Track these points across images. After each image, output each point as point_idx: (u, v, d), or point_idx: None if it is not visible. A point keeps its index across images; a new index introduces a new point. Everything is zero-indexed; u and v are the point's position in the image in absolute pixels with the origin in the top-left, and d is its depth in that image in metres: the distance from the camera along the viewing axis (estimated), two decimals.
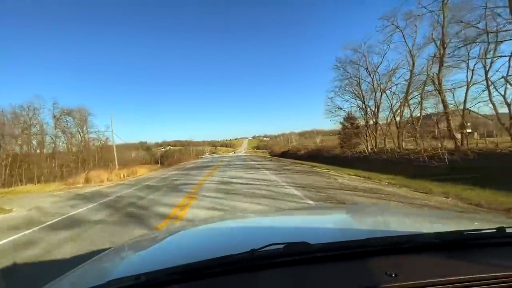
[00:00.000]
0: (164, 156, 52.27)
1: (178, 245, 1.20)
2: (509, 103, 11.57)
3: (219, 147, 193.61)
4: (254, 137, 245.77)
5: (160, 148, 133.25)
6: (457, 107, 14.70)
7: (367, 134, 22.41)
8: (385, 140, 21.27)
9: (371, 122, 22.61)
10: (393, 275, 0.65)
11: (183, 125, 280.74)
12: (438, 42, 14.63)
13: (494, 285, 0.63)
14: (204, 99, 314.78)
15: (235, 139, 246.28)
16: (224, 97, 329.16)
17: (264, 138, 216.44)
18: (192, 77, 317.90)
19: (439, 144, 13.80)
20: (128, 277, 0.69)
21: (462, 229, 0.81)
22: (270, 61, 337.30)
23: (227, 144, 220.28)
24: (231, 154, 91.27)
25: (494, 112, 12.48)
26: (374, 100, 21.85)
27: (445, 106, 14.70)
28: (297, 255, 0.74)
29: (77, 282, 0.91)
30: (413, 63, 17.28)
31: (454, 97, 14.90)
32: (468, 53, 13.61)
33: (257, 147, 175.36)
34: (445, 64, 14.44)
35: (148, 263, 0.94)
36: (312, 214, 1.81)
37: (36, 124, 26.52)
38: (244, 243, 0.78)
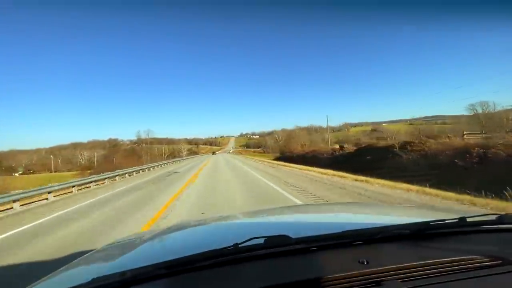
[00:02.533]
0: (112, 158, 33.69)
1: (164, 245, 1.22)
2: None
3: (202, 146, 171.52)
4: (241, 135, 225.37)
5: (129, 145, 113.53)
6: None
7: None
8: None
9: None
10: (365, 262, 0.70)
11: (166, 123, 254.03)
12: None
13: (454, 267, 0.69)
14: (189, 97, 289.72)
15: (221, 137, 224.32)
16: (209, 95, 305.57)
17: (253, 136, 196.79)
18: (176, 76, 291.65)
19: None
20: (113, 274, 0.69)
21: (428, 220, 0.89)
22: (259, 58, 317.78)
23: (212, 142, 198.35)
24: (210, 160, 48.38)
25: None
26: None
27: None
28: (278, 247, 0.78)
29: (61, 282, 0.91)
30: None
31: None
32: None
33: (247, 146, 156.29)
34: None
35: (134, 261, 0.94)
36: (295, 212, 1.88)
37: None
38: (229, 239, 0.79)
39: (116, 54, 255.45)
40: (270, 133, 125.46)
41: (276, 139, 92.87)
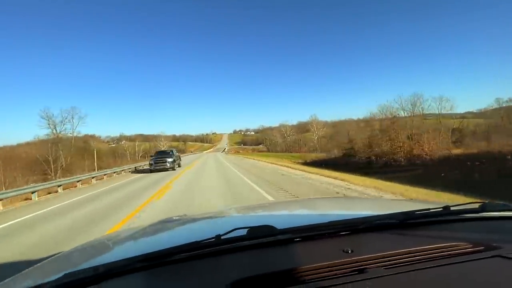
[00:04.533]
0: None
1: (143, 240, 1.18)
2: None
3: (190, 143, 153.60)
4: (235, 132, 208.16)
5: (110, 143, 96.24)
6: None
7: None
8: None
9: None
10: (349, 251, 0.71)
11: (153, 120, 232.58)
12: None
13: (438, 254, 0.70)
14: (177, 93, 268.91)
15: (213, 133, 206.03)
16: (200, 91, 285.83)
17: (249, 133, 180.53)
18: (166, 71, 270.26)
19: None
20: (86, 269, 0.67)
21: (412, 210, 0.91)
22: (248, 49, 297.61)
23: (203, 139, 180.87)
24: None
25: None
26: None
27: None
28: (261, 238, 0.77)
29: (34, 278, 0.88)
30: None
31: None
32: None
33: (243, 143, 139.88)
34: None
35: (111, 257, 0.91)
36: (280, 207, 1.89)
37: None
38: (211, 232, 0.77)
39: (97, 48, 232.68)
40: (263, 130, 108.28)
41: (284, 135, 76.36)
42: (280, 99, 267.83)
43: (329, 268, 0.65)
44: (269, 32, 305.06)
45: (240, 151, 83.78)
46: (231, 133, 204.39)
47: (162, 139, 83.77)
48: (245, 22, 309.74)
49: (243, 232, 0.76)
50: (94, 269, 0.66)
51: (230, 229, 0.75)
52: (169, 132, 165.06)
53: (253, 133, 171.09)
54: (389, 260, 0.67)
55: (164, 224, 1.40)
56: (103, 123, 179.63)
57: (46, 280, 0.67)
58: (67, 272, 0.66)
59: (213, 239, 0.74)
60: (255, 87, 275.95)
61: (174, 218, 1.58)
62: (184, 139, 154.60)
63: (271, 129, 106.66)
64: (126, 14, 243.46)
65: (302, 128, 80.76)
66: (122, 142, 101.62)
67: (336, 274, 0.63)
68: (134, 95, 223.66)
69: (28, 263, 1.61)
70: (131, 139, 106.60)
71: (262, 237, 0.77)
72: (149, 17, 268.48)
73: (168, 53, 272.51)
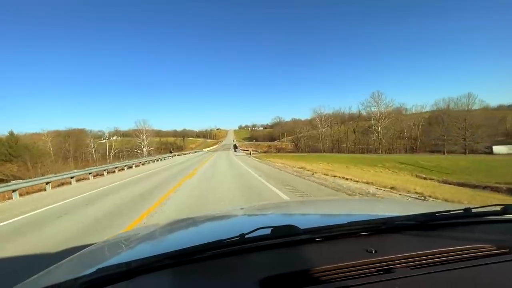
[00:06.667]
0: None
1: (168, 237, 1.22)
2: None
3: (191, 138, 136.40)
4: (240, 128, 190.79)
5: (101, 139, 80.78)
6: None
7: None
8: None
9: None
10: (373, 252, 0.71)
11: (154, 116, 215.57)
12: None
13: (463, 255, 0.70)
14: (180, 89, 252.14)
15: (217, 129, 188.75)
16: (202, 87, 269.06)
17: (257, 128, 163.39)
18: (166, 66, 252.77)
19: None
20: (119, 264, 0.69)
21: (433, 211, 0.91)
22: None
23: (206, 135, 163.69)
24: None
25: None
26: None
27: None
28: (284, 237, 0.77)
29: (65, 273, 0.90)
30: None
31: None
32: None
33: (253, 138, 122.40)
34: None
35: (139, 253, 0.94)
36: (301, 206, 1.88)
37: None
38: (235, 231, 0.78)
39: (97, 46, 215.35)
40: (274, 125, 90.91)
41: (318, 125, 58.57)
42: (292, 92, 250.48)
43: (355, 268, 0.65)
44: (277, 22, 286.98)
45: (252, 148, 66.22)
46: (236, 129, 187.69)
47: (144, 133, 58.91)
48: (250, 16, 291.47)
49: (267, 231, 0.76)
50: (126, 264, 0.67)
51: (253, 228, 0.76)
52: (170, 128, 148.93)
53: (261, 128, 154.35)
54: (414, 261, 0.67)
55: (185, 223, 1.41)
56: (102, 119, 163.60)
57: (80, 274, 0.69)
58: (99, 266, 0.68)
59: (238, 238, 0.75)
60: (264, 80, 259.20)
61: (193, 216, 1.54)
62: (184, 134, 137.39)
63: (285, 123, 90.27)
64: (129, 12, 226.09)
65: (334, 119, 63.07)
66: (113, 138, 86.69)
67: (362, 274, 0.63)
68: (133, 91, 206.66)
69: None
70: (126, 134, 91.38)
71: (286, 236, 0.77)
72: (151, 12, 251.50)
73: (168, 49, 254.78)
